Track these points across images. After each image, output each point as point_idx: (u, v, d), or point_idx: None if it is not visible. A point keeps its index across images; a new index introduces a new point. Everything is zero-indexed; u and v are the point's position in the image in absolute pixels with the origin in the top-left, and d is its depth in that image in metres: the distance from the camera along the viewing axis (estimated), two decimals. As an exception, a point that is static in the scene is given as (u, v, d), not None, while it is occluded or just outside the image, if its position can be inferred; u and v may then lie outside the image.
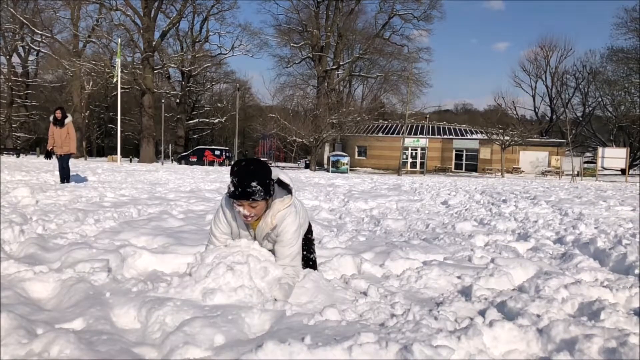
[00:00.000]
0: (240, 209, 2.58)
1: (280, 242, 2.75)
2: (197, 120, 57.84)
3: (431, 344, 1.88)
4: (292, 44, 53.09)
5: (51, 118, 11.13)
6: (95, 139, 62.97)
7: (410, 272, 3.32)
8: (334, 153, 45.87)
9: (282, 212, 2.69)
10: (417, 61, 54.51)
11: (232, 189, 2.54)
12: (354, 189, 13.40)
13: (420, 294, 2.96)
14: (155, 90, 49.19)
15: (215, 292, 2.52)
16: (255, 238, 2.80)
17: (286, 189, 2.79)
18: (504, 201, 9.48)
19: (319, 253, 3.88)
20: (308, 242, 3.12)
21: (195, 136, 62.59)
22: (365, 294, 2.76)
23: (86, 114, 50.87)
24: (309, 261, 3.10)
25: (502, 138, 42.27)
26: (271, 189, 2.63)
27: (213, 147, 50.91)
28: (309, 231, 3.16)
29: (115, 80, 35.25)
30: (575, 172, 35.00)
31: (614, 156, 37.37)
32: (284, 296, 2.55)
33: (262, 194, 2.53)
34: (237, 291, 2.51)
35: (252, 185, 2.50)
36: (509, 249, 4.44)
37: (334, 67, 53.57)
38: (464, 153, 49.11)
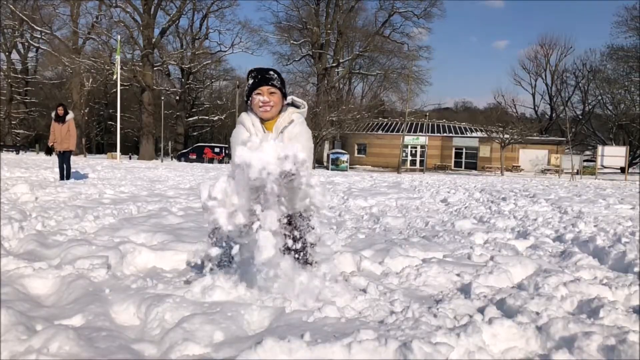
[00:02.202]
0: (259, 97, 2.75)
1: None
2: (196, 117, 57.80)
3: (430, 341, 1.88)
4: (291, 42, 53.03)
5: (53, 114, 11.14)
6: (95, 136, 62.92)
7: (410, 269, 3.32)
8: (334, 151, 45.89)
9: (297, 113, 2.87)
10: (417, 59, 54.53)
11: (251, 81, 2.78)
12: (354, 186, 13.40)
13: (420, 291, 2.96)
14: (154, 87, 49.17)
15: (214, 288, 2.53)
16: None
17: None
18: (504, 199, 9.49)
19: (319, 250, 3.88)
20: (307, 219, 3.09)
21: (194, 133, 62.56)
22: (364, 291, 2.76)
23: (85, 111, 50.80)
24: (304, 248, 3.07)
25: (501, 136, 42.27)
26: (285, 87, 2.87)
27: (212, 144, 50.86)
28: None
29: (114, 77, 35.22)
30: (575, 171, 35.02)
31: (614, 154, 37.33)
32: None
33: (279, 82, 2.79)
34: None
35: (270, 72, 2.80)
36: (508, 246, 4.44)
37: (334, 64, 53.54)
38: (464, 151, 49.12)
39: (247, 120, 2.84)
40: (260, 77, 2.75)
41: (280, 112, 2.83)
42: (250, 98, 2.80)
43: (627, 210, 7.93)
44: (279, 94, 2.78)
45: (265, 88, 2.73)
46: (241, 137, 2.77)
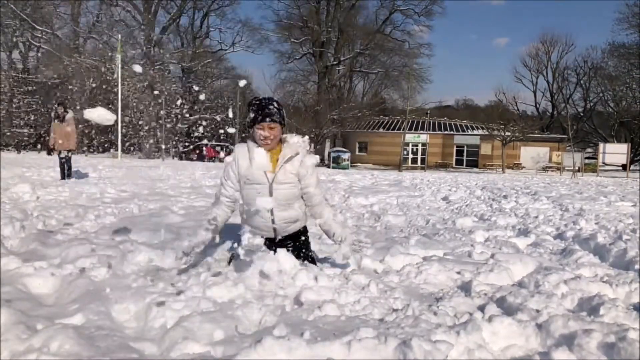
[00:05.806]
0: (261, 131, 2.93)
1: (310, 185, 3.06)
2: (197, 116, 57.76)
3: (430, 339, 1.88)
4: (292, 40, 52.96)
5: (53, 114, 11.16)
6: (96, 135, 62.85)
7: (410, 267, 3.32)
8: (335, 149, 45.82)
9: (299, 143, 3.05)
10: (418, 57, 54.50)
11: (252, 115, 2.94)
12: (355, 184, 13.40)
13: (420, 289, 2.96)
14: (155, 86, 49.15)
15: (214, 287, 2.53)
16: (271, 183, 2.98)
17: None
18: (505, 197, 9.48)
19: (319, 248, 3.89)
20: (305, 242, 3.22)
21: (195, 133, 62.46)
22: (364, 289, 2.76)
23: (86, 110, 50.74)
24: (307, 258, 3.13)
25: (503, 134, 42.16)
26: (285, 117, 3.02)
27: (214, 142, 50.86)
28: (305, 231, 3.25)
29: (115, 76, 35.24)
30: (576, 168, 34.91)
31: (615, 152, 37.24)
32: (345, 228, 3.05)
33: (279, 116, 2.94)
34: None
35: (270, 107, 2.93)
36: (509, 244, 4.44)
37: (335, 62, 53.44)
38: (465, 149, 49.00)
39: (244, 154, 3.01)
40: (262, 112, 2.91)
41: (280, 140, 3.04)
42: (252, 128, 3.00)
43: (629, 207, 7.92)
44: (278, 127, 2.97)
45: (265, 124, 2.92)
46: (232, 180, 3.05)
